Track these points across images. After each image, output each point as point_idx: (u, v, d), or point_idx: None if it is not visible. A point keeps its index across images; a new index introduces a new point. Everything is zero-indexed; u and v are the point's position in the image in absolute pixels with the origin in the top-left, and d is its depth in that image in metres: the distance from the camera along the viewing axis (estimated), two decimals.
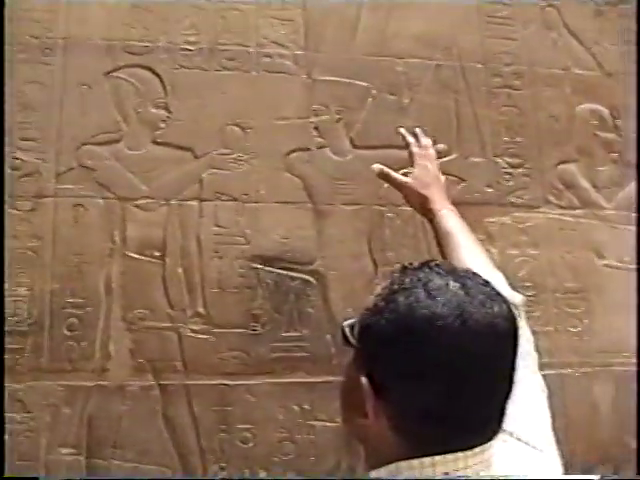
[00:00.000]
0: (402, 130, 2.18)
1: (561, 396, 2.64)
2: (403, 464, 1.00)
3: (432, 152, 2.18)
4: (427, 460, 0.99)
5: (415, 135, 2.22)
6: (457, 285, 1.01)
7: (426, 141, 2.19)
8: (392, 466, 1.01)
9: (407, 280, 1.04)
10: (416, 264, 1.09)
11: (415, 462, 0.99)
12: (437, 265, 1.06)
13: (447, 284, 1.01)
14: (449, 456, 0.98)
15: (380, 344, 1.01)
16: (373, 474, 1.04)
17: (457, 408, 0.98)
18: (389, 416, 1.00)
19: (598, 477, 2.54)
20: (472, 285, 1.02)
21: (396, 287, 1.04)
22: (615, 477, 2.67)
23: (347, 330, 1.09)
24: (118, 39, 2.60)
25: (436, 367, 0.97)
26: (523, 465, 1.13)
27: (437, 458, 0.98)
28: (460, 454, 0.98)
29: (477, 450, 1.00)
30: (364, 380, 1.00)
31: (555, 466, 1.21)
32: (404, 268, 1.08)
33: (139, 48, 2.61)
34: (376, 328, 1.02)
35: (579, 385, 2.69)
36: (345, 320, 1.11)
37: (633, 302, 2.78)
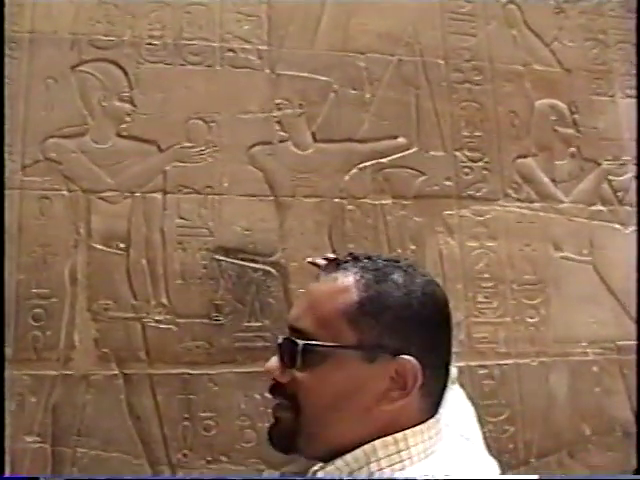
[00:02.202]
0: (309, 259, 2.41)
1: (518, 385, 2.93)
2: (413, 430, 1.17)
3: None
4: (435, 418, 1.21)
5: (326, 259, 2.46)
6: (400, 273, 1.23)
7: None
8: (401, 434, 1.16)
9: (381, 264, 1.23)
10: (350, 256, 1.27)
11: (431, 421, 1.20)
12: (374, 256, 1.27)
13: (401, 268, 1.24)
14: (433, 420, 1.20)
15: (411, 324, 1.18)
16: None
17: (448, 368, 1.25)
18: (423, 384, 1.16)
19: (537, 477, 2.79)
20: (412, 273, 1.24)
21: (381, 271, 1.21)
22: (557, 477, 2.94)
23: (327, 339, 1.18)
24: (84, 33, 2.82)
25: (446, 328, 1.23)
26: (456, 446, 1.28)
27: (435, 418, 1.21)
28: (437, 416, 1.21)
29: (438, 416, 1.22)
30: (412, 359, 1.14)
31: (480, 451, 1.45)
32: (354, 258, 1.25)
33: (105, 42, 2.83)
34: (393, 316, 1.17)
35: (536, 374, 2.97)
36: (302, 340, 1.19)
37: (590, 293, 3.06)
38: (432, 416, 1.20)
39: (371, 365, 1.16)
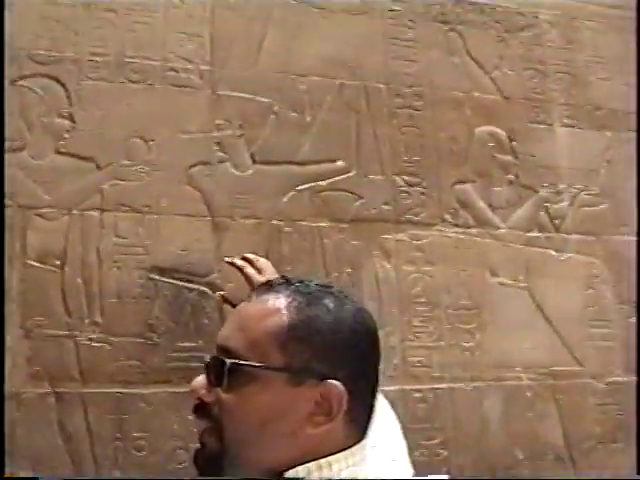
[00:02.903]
0: (227, 259, 2.50)
1: (452, 410, 3.02)
2: (343, 454, 1.21)
3: (263, 262, 2.59)
4: (361, 444, 1.25)
5: (245, 259, 2.60)
6: (336, 301, 1.28)
7: (254, 257, 2.61)
8: (325, 460, 1.20)
9: (313, 288, 1.29)
10: (283, 279, 1.32)
11: (356, 447, 1.24)
12: (302, 282, 1.32)
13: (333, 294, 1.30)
14: (359, 445, 1.25)
15: (339, 349, 1.22)
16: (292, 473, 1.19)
17: (375, 395, 1.30)
18: (349, 409, 1.21)
19: (447, 477, 2.88)
20: (344, 299, 1.30)
21: (313, 295, 1.26)
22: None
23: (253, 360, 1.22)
24: (24, 48, 2.85)
25: (375, 356, 1.29)
26: (381, 467, 1.42)
27: (361, 444, 1.25)
28: (363, 442, 1.26)
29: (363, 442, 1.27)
30: (338, 384, 1.19)
31: (406, 472, 1.52)
32: (286, 281, 1.30)
33: (46, 58, 2.86)
34: (322, 341, 1.22)
35: (470, 399, 3.06)
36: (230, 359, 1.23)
37: (526, 319, 3.16)
38: (358, 441, 1.24)
39: (297, 388, 1.20)
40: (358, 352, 1.25)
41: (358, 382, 1.23)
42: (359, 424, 1.25)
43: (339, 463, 1.19)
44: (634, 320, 3.32)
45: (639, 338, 3.29)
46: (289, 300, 1.25)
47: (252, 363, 1.21)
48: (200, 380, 1.29)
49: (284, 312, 1.23)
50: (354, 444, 1.23)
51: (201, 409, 1.29)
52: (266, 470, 1.19)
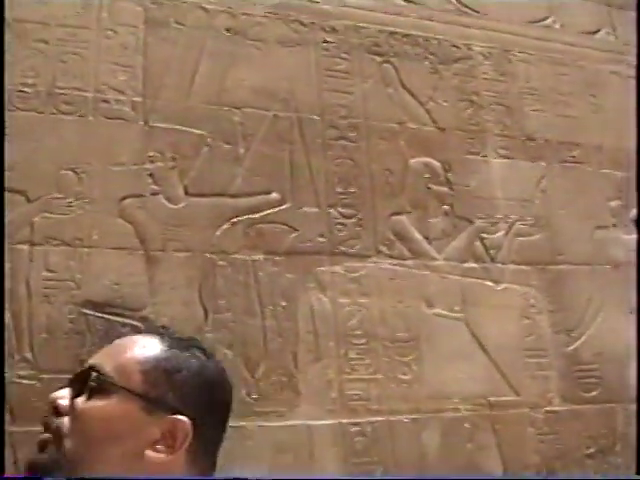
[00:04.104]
0: None
1: (390, 443, 3.06)
2: None
3: None
4: None
5: None
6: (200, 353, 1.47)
7: None
8: None
9: (179, 335, 1.49)
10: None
11: None
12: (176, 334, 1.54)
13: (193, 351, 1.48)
14: None
15: (195, 391, 1.39)
16: None
17: (220, 443, 1.48)
18: (192, 450, 1.37)
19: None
20: (208, 353, 1.50)
21: (180, 340, 1.47)
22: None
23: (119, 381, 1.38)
24: None
25: (226, 409, 1.49)
26: None
27: None
28: None
29: None
30: (185, 419, 1.35)
31: None
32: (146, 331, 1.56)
33: None
34: (183, 379, 1.38)
35: (408, 431, 3.11)
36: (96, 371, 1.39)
37: (463, 350, 3.23)
38: None
39: (149, 416, 1.35)
40: (212, 400, 1.42)
41: (205, 426, 1.39)
42: (201, 466, 1.39)
43: None
44: (570, 349, 3.41)
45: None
46: (161, 339, 1.44)
47: (114, 381, 1.35)
48: (62, 391, 1.43)
49: (154, 347, 1.41)
50: None
51: (54, 415, 1.40)
52: None
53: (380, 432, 3.06)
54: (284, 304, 3.04)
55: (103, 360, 1.40)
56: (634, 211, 3.66)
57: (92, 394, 1.35)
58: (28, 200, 2.86)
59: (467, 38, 3.68)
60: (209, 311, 2.94)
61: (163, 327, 1.52)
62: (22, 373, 2.70)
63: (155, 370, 1.36)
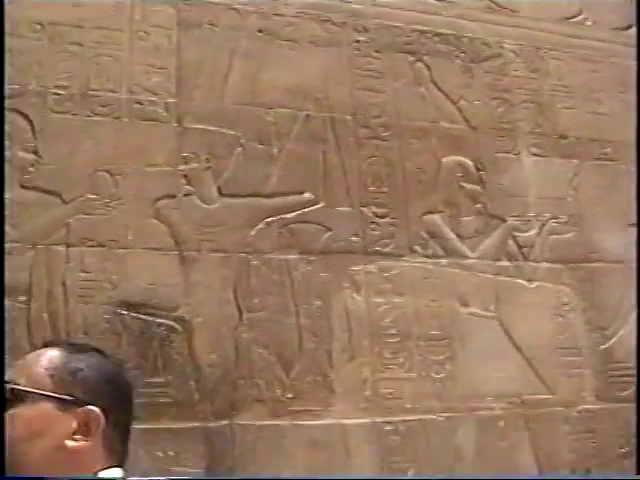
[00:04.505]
0: None
1: (424, 441, 3.05)
2: (102, 473, 1.50)
3: None
4: (118, 469, 1.54)
5: None
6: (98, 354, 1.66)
7: None
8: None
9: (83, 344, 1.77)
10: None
11: (110, 470, 1.52)
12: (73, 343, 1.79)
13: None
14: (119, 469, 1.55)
15: (99, 384, 1.55)
16: None
17: (129, 429, 1.63)
18: (105, 436, 1.51)
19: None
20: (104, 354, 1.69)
21: (80, 346, 1.71)
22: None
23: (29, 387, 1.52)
24: None
25: (127, 399, 1.64)
26: None
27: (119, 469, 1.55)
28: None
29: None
30: (95, 408, 1.50)
31: None
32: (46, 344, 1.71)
33: (10, 91, 2.88)
34: (86, 375, 1.55)
35: (442, 430, 3.10)
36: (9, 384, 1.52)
37: (496, 348, 3.21)
38: (117, 466, 1.54)
39: (63, 412, 1.50)
40: (115, 389, 1.59)
41: (114, 413, 1.54)
42: (114, 451, 1.55)
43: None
44: (604, 347, 3.37)
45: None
46: (61, 348, 1.61)
47: (26, 388, 1.50)
48: None
49: (57, 354, 1.57)
50: (113, 466, 1.53)
51: None
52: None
53: (414, 431, 3.05)
54: (318, 303, 3.04)
55: (15, 374, 1.55)
56: None
57: (10, 405, 1.49)
58: (63, 202, 2.87)
59: (499, 36, 3.66)
60: (244, 311, 2.95)
61: (63, 340, 1.82)
62: None
63: (61, 372, 1.53)
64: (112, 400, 1.55)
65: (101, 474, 1.50)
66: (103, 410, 1.51)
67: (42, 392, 1.50)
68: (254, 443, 2.86)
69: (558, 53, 3.73)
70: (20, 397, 1.50)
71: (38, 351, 1.63)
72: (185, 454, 2.78)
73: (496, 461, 3.13)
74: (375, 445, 2.98)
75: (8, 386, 1.50)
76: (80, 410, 1.50)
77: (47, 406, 1.50)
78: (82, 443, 1.48)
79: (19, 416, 1.48)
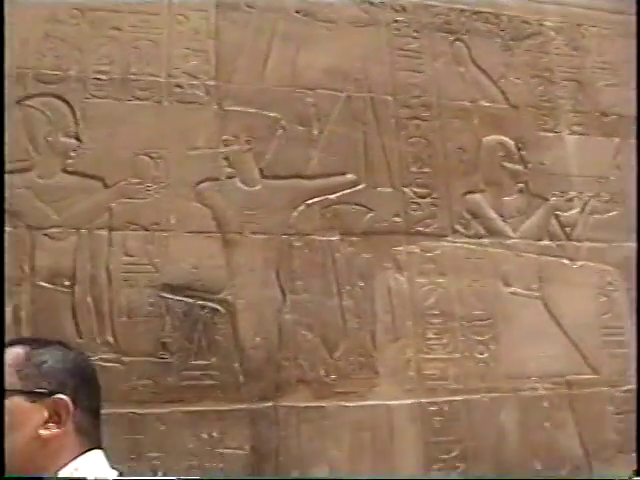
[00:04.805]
0: None
1: (468, 422, 3.03)
2: (83, 457, 1.55)
3: None
4: (98, 451, 1.60)
5: None
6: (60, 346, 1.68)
7: None
8: (74, 463, 1.54)
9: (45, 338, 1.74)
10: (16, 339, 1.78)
11: (91, 453, 1.57)
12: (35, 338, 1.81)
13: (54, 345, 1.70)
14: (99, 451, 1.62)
15: (64, 374, 1.59)
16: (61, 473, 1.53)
17: (99, 413, 1.68)
18: (77, 421, 1.56)
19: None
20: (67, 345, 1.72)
21: (43, 340, 1.70)
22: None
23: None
24: (30, 67, 2.89)
25: (93, 386, 1.68)
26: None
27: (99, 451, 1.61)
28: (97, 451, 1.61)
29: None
30: (63, 396, 1.54)
31: None
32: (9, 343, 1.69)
33: (51, 77, 2.90)
34: (50, 367, 1.59)
35: (486, 410, 3.08)
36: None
37: (540, 328, 3.17)
38: (90, 450, 1.58)
39: (33, 404, 1.55)
40: (79, 378, 1.62)
41: (81, 400, 1.59)
42: (88, 434, 1.59)
43: (86, 467, 1.53)
44: None
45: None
46: (24, 345, 1.63)
47: None
48: None
49: (22, 350, 1.60)
50: (87, 451, 1.57)
51: None
52: (17, 466, 1.52)
53: (458, 411, 3.03)
54: (361, 284, 3.02)
55: None
56: None
57: None
58: (106, 186, 2.88)
59: (539, 13, 3.61)
60: (287, 292, 2.94)
61: (26, 337, 1.90)
62: (105, 356, 2.74)
63: (26, 367, 1.57)
64: (78, 387, 1.61)
65: (81, 458, 1.56)
66: (71, 397, 1.57)
67: (11, 389, 1.55)
68: (298, 425, 2.85)
69: (599, 29, 3.68)
70: None
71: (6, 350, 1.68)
72: (230, 436, 2.78)
73: (540, 442, 3.11)
74: (419, 426, 2.97)
75: None
76: (49, 400, 1.56)
77: (18, 400, 1.55)
78: (55, 431, 1.54)
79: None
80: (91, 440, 1.60)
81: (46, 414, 1.55)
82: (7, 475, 1.49)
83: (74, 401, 1.56)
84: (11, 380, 1.56)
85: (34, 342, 1.68)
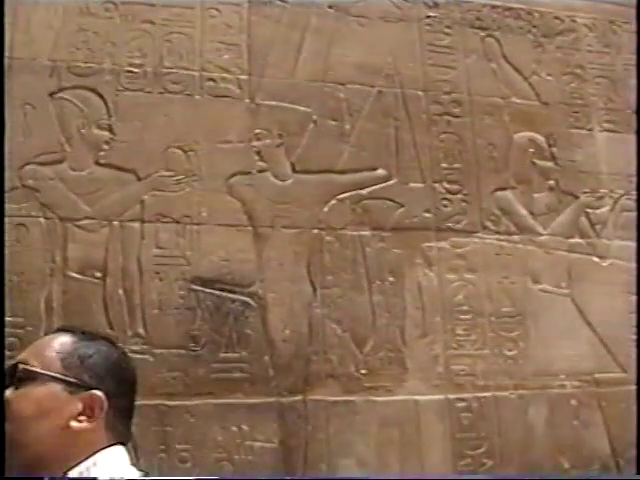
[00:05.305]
0: None
1: (496, 418, 3.01)
2: (104, 452, 1.54)
3: None
4: (120, 447, 1.58)
5: None
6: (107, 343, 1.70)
7: None
8: (93, 457, 1.53)
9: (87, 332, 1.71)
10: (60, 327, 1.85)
11: (113, 448, 1.56)
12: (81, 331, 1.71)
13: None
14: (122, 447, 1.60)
15: (105, 371, 1.60)
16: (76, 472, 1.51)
17: (132, 413, 1.67)
18: (108, 419, 1.55)
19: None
20: (113, 343, 1.74)
21: (90, 334, 1.69)
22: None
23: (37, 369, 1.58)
24: (63, 60, 2.89)
25: (130, 385, 1.66)
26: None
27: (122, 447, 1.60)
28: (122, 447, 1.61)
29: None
30: (100, 393, 1.55)
31: None
32: (59, 330, 1.74)
33: (84, 69, 2.91)
34: (94, 362, 1.60)
35: (514, 407, 3.06)
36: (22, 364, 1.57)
37: (569, 326, 3.15)
38: (117, 444, 1.57)
39: (70, 394, 1.55)
40: (120, 377, 1.63)
41: (117, 398, 1.58)
42: (117, 432, 1.59)
43: (104, 463, 1.53)
44: None
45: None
46: (73, 334, 1.65)
47: (36, 369, 1.57)
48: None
49: (69, 339, 1.63)
50: (115, 444, 1.56)
51: None
52: (41, 454, 1.51)
53: (486, 408, 3.02)
54: (391, 280, 3.01)
55: (27, 355, 1.61)
56: None
57: (21, 384, 1.55)
58: (138, 178, 2.88)
59: (571, 10, 3.57)
60: (317, 287, 2.94)
61: (76, 327, 1.74)
62: (135, 348, 2.74)
63: (71, 357, 1.59)
64: (116, 386, 1.61)
65: (102, 453, 1.55)
66: (107, 395, 1.57)
67: (52, 374, 1.57)
68: (327, 419, 2.84)
69: (631, 26, 3.63)
70: (31, 377, 1.57)
71: (51, 335, 1.70)
72: (259, 429, 2.78)
73: (568, 439, 3.08)
74: (447, 422, 2.95)
75: (21, 366, 1.57)
76: (86, 394, 1.56)
77: (56, 388, 1.56)
78: (85, 424, 1.55)
79: (29, 395, 1.55)
80: (118, 437, 1.60)
81: (80, 407, 1.55)
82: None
83: (109, 399, 1.57)
84: (54, 366, 1.58)
85: (83, 334, 1.68)
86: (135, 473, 1.58)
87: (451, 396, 2.98)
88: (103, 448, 1.55)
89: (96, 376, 1.59)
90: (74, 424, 1.54)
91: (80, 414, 1.54)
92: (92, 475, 1.52)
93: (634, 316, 3.27)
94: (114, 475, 1.53)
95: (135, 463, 1.61)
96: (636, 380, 3.19)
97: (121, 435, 1.61)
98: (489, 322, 3.09)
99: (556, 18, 3.53)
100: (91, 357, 1.61)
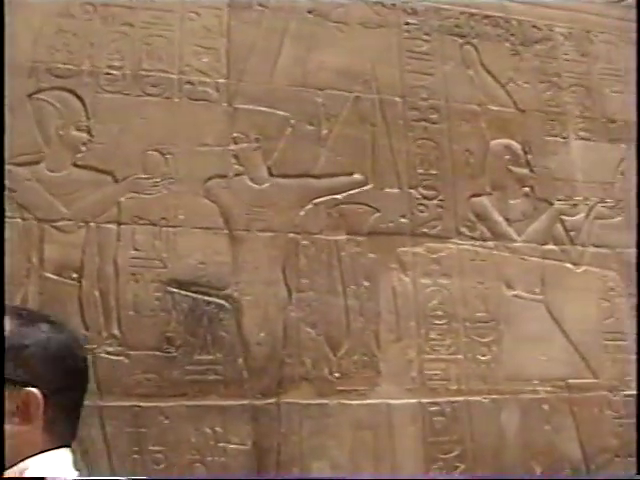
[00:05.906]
0: None
1: (469, 422, 3.01)
2: (39, 457, 1.38)
3: None
4: (62, 450, 1.42)
5: None
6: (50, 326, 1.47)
7: None
8: (25, 462, 1.37)
9: (33, 314, 1.54)
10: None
11: (51, 453, 1.40)
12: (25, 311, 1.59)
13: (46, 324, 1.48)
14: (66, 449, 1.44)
15: (44, 364, 1.41)
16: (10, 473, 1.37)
17: (79, 409, 1.49)
18: (47, 418, 1.39)
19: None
20: (58, 326, 1.50)
21: (28, 319, 1.47)
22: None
23: None
24: (42, 61, 2.87)
25: (80, 378, 1.50)
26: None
27: (65, 450, 1.43)
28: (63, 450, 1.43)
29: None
30: (35, 390, 1.37)
31: None
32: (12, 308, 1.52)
33: (63, 71, 2.89)
34: (30, 354, 1.40)
35: (487, 412, 3.07)
36: None
37: (542, 332, 3.16)
38: (57, 448, 1.41)
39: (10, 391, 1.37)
40: (62, 370, 1.44)
41: (58, 395, 1.41)
42: (58, 433, 1.41)
43: (38, 466, 1.36)
44: None
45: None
46: (13, 316, 1.43)
47: None
48: None
49: (7, 324, 1.40)
50: (52, 449, 1.39)
51: None
52: None
53: (459, 412, 3.02)
54: (366, 284, 3.01)
55: None
56: None
57: None
58: (115, 180, 2.87)
59: (548, 19, 3.58)
60: (292, 290, 2.94)
61: (15, 307, 1.61)
62: (110, 349, 2.73)
63: (5, 348, 1.40)
64: (58, 381, 1.43)
65: (36, 457, 1.39)
66: (46, 392, 1.40)
67: None
68: (300, 422, 2.84)
69: (608, 36, 3.65)
70: None
71: None
72: (232, 431, 2.77)
73: (540, 444, 3.10)
74: (420, 426, 2.96)
75: None
76: (20, 392, 1.38)
77: None
78: (20, 427, 1.38)
79: None
80: (60, 439, 1.43)
81: (14, 406, 1.38)
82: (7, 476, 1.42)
83: (48, 396, 1.39)
84: None
85: (22, 317, 1.47)
86: (73, 474, 1.43)
87: (424, 400, 2.98)
88: (40, 452, 1.39)
89: (32, 371, 1.40)
90: (9, 426, 1.36)
91: (14, 414, 1.37)
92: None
93: (607, 322, 3.29)
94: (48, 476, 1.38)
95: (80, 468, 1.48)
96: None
97: (63, 436, 1.44)
98: (463, 327, 3.10)
99: (534, 27, 3.54)
100: (27, 348, 1.41)
